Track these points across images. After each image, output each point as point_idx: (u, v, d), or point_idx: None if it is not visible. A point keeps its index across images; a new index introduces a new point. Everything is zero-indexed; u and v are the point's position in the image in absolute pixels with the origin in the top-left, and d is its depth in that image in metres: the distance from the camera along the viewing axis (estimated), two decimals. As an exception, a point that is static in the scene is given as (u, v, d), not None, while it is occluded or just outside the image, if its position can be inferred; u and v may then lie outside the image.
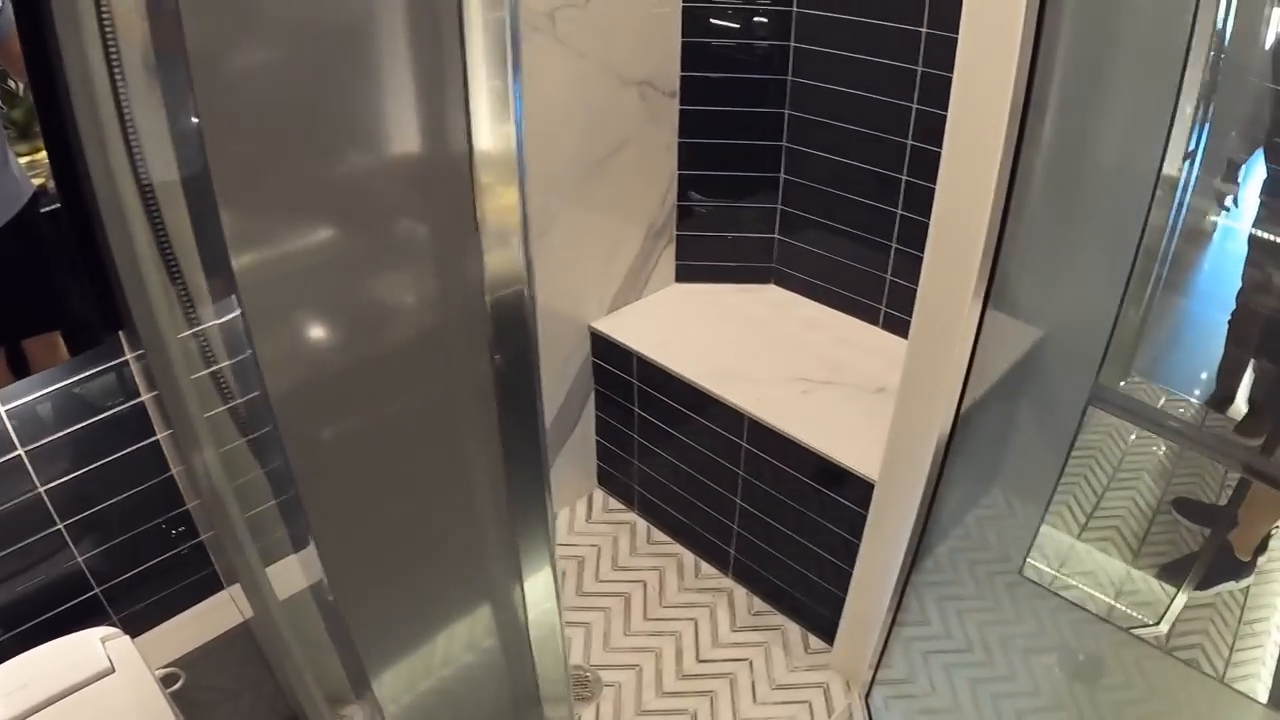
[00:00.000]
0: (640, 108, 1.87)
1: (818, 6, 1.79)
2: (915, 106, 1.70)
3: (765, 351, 1.91)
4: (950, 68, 1.16)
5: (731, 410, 1.75)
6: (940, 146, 1.22)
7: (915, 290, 1.90)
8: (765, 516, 1.85)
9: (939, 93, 1.67)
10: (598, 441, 2.22)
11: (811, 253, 2.04)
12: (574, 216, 1.85)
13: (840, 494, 1.65)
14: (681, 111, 1.94)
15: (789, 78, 1.89)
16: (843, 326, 2.00)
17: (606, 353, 2.01)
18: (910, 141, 1.73)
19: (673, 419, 1.96)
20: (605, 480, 2.29)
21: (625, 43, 1.77)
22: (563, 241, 1.85)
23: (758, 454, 1.78)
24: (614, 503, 2.28)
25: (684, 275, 2.15)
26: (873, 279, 1.94)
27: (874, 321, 1.98)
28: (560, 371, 2.02)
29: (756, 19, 1.86)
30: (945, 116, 1.19)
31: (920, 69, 1.67)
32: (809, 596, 1.87)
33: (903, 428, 1.45)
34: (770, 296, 2.11)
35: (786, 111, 1.93)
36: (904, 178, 1.77)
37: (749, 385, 1.79)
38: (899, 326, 1.93)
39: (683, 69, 1.90)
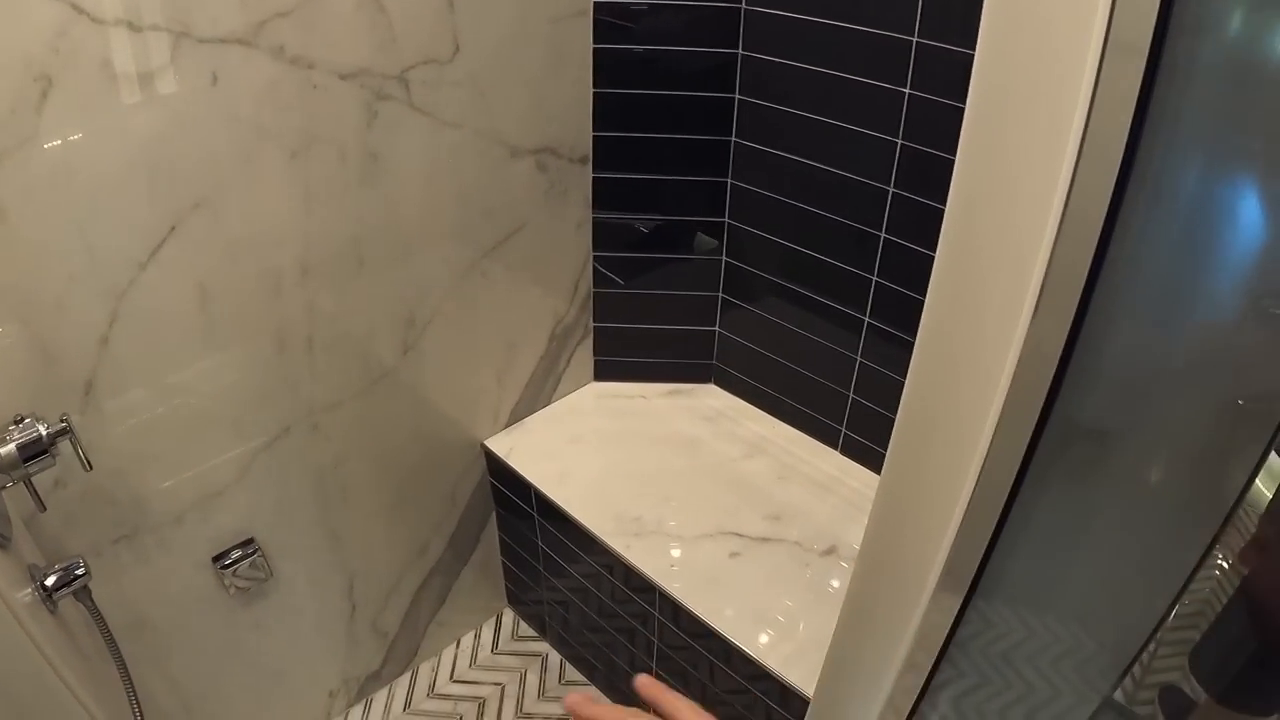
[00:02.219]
0: (538, 182, 1.49)
1: (769, 51, 1.40)
2: (891, 190, 1.33)
3: (692, 489, 1.54)
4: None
5: (642, 577, 1.40)
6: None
7: (883, 414, 1.56)
8: (685, 686, 1.51)
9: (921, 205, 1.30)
10: (503, 562, 1.87)
11: (760, 354, 1.67)
12: (453, 323, 1.48)
13: (769, 698, 1.31)
14: (596, 180, 1.56)
15: (733, 138, 1.51)
16: (793, 449, 1.63)
17: (503, 475, 1.65)
18: (883, 235, 1.36)
19: (577, 566, 1.60)
20: (515, 600, 1.94)
21: (514, 103, 1.38)
22: (438, 353, 1.48)
23: (673, 631, 1.43)
24: (525, 628, 1.93)
25: (605, 372, 1.78)
26: (830, 394, 1.57)
27: (832, 444, 1.62)
28: (449, 496, 1.67)
29: (692, 62, 1.48)
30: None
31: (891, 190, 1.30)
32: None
33: (847, 656, 1.10)
34: (708, 402, 1.74)
35: (729, 180, 1.55)
36: (874, 278, 1.40)
37: (665, 543, 1.43)
38: (862, 455, 1.57)
39: (596, 128, 1.51)
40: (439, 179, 1.35)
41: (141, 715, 1.09)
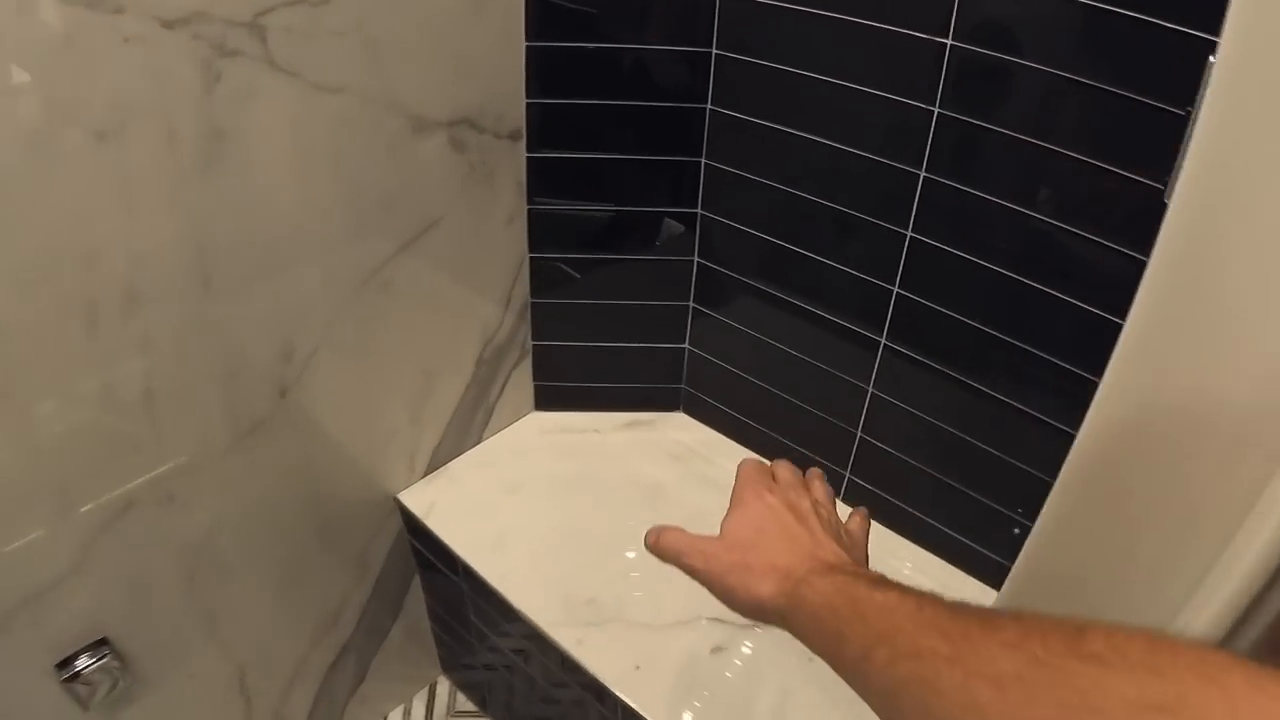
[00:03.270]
0: (454, 164, 1.14)
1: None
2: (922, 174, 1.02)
3: (653, 558, 1.21)
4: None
5: (599, 685, 1.09)
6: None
7: (899, 457, 1.26)
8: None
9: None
10: (433, 628, 1.54)
11: (739, 377, 1.36)
12: (346, 352, 1.13)
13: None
14: (532, 161, 1.22)
15: (708, 105, 1.18)
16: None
17: (424, 535, 1.31)
18: (909, 233, 1.05)
19: (520, 649, 1.28)
20: (450, 666, 1.62)
21: (418, 59, 1.03)
22: (328, 392, 1.14)
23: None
24: (463, 700, 1.61)
25: (549, 400, 1.45)
26: (831, 430, 1.27)
27: (834, 489, 1.32)
28: (359, 561, 1.32)
29: (655, 7, 1.14)
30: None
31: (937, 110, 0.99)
32: None
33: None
34: (675, 436, 1.42)
35: (703, 160, 1.22)
36: (894, 289, 1.10)
37: (627, 634, 1.11)
38: (869, 503, 1.27)
39: (531, 93, 1.17)
40: (315, 163, 1.00)
41: None
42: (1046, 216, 0.92)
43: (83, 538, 0.98)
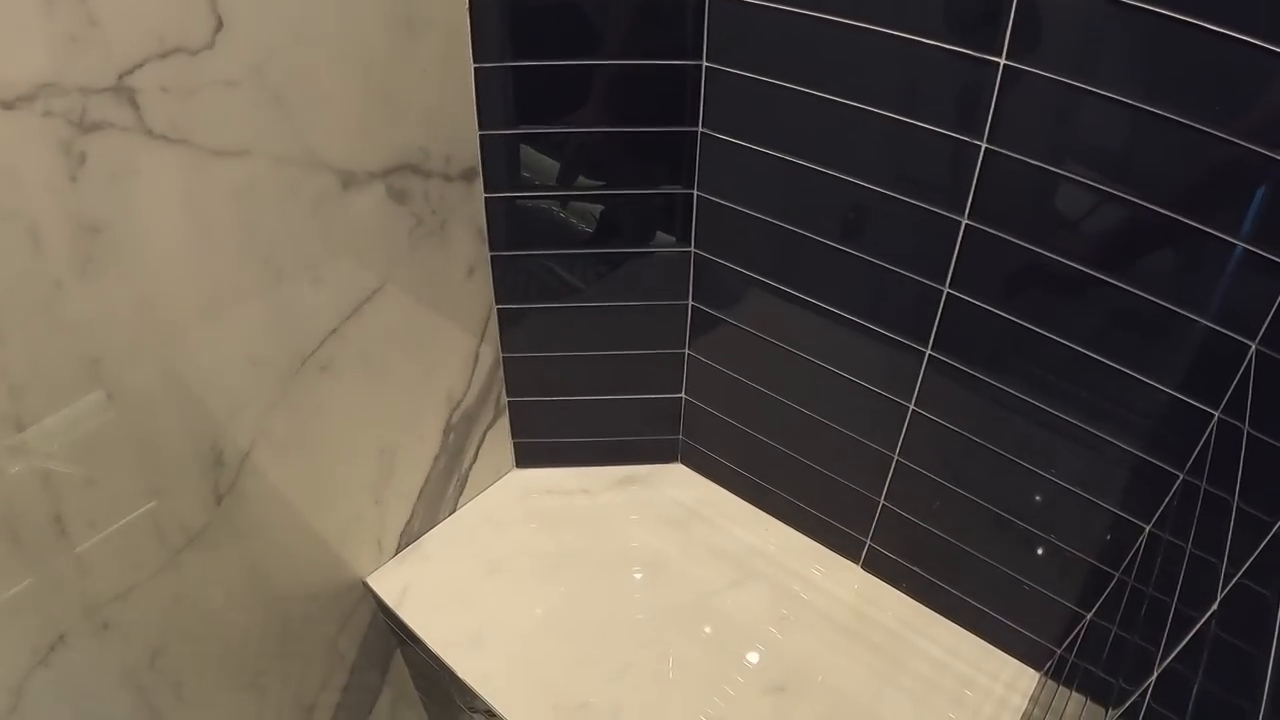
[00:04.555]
0: (396, 218, 0.96)
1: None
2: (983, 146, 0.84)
3: (661, 647, 1.08)
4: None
5: (598, 817, 0.96)
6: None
7: (925, 527, 1.11)
8: None
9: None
10: (420, 697, 1.42)
11: (740, 430, 1.20)
12: (286, 445, 0.97)
13: None
14: (491, 203, 1.04)
15: (700, 129, 1.00)
16: (794, 565, 1.17)
17: (399, 623, 1.17)
18: (947, 290, 0.88)
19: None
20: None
21: (336, 103, 0.85)
22: (271, 490, 0.98)
23: None
24: (455, 770, 1.50)
25: (530, 457, 1.29)
26: (848, 493, 1.11)
27: (850, 555, 1.17)
28: (331, 650, 1.18)
29: (636, 20, 0.95)
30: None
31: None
32: None
33: None
34: (673, 495, 1.27)
35: (695, 192, 1.05)
36: (928, 351, 0.93)
37: (631, 747, 0.99)
38: (893, 573, 1.13)
39: (485, 124, 0.99)
40: (220, 242, 0.83)
41: None
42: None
43: (15, 678, 0.84)
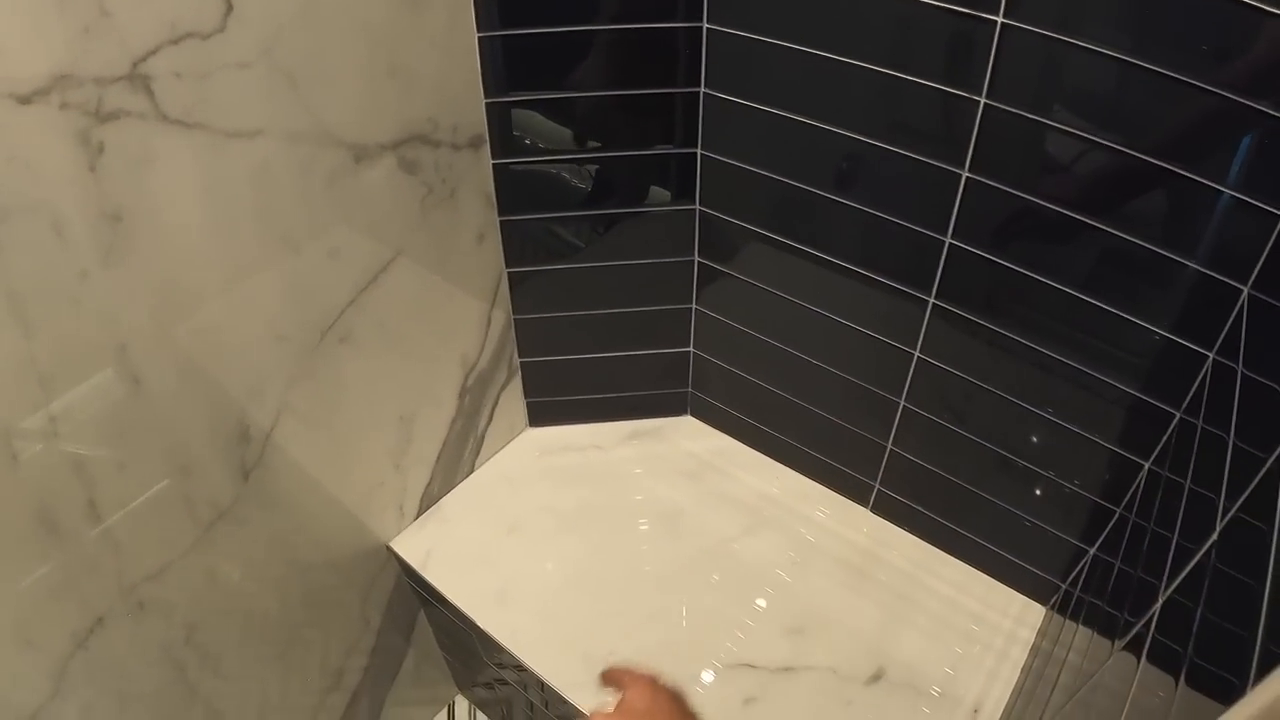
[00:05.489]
0: (408, 188, 0.98)
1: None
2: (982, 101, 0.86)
3: (681, 596, 1.12)
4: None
5: (630, 757, 1.01)
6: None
7: (932, 470, 1.15)
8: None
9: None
10: (443, 654, 1.47)
11: (749, 381, 1.23)
12: (310, 417, 1.00)
13: None
14: (499, 170, 1.05)
15: (702, 89, 1.01)
16: (807, 510, 1.21)
17: (424, 583, 1.21)
18: (950, 240, 0.91)
19: (533, 690, 1.20)
20: (466, 684, 1.55)
21: (346, 80, 0.86)
22: (297, 463, 1.01)
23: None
24: (484, 719, 1.56)
25: (543, 416, 1.32)
26: (856, 439, 1.15)
27: (860, 500, 1.21)
28: (359, 615, 1.23)
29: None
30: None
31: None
32: None
33: None
34: (685, 446, 1.30)
35: (699, 151, 1.06)
36: (931, 300, 0.96)
37: (659, 690, 1.03)
38: (903, 515, 1.18)
39: (490, 93, 1.00)
40: (240, 222, 0.84)
41: None
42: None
43: (55, 663, 0.88)
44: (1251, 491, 0.61)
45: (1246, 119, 0.68)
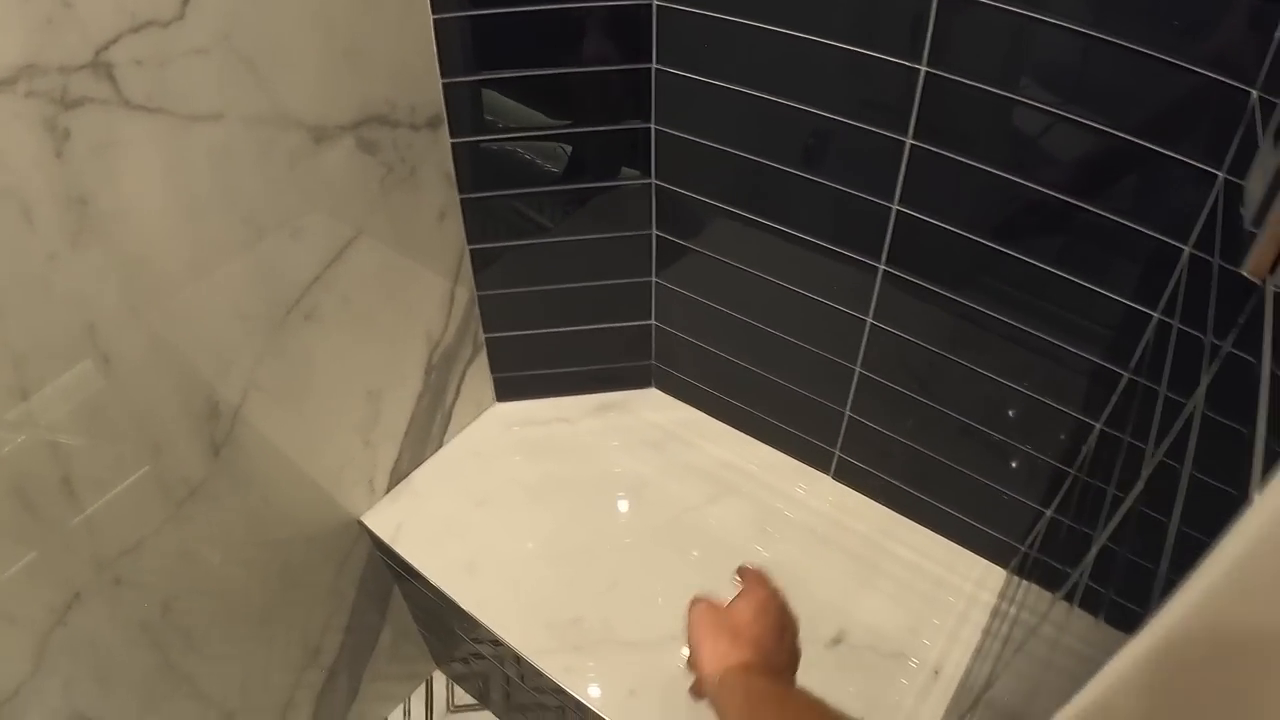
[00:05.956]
0: (367, 169, 1.02)
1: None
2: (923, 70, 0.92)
3: (646, 564, 1.19)
4: None
5: (594, 715, 1.07)
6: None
7: (890, 435, 1.21)
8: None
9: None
10: (419, 630, 1.53)
11: (710, 353, 1.29)
12: (277, 394, 1.05)
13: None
14: (458, 148, 1.10)
15: (654, 65, 1.06)
16: (770, 479, 1.28)
17: (396, 557, 1.26)
18: (897, 207, 0.97)
19: (508, 663, 1.26)
20: (443, 659, 1.62)
21: (304, 63, 0.90)
22: (266, 439, 1.07)
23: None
24: (461, 694, 1.62)
25: (510, 391, 1.38)
26: (816, 407, 1.21)
27: (821, 467, 1.27)
28: (332, 590, 1.28)
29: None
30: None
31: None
32: None
33: None
34: (650, 418, 1.37)
35: (653, 126, 1.11)
36: (881, 266, 1.02)
37: (619, 657, 1.09)
38: (863, 481, 1.25)
39: (446, 73, 1.04)
40: (203, 203, 0.89)
41: None
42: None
43: (35, 640, 0.93)
44: (1174, 435, 0.67)
45: (1181, 82, 0.74)
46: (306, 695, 1.36)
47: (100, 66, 0.77)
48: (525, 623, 1.12)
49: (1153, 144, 0.77)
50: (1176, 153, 0.76)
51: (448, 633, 1.40)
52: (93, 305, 0.84)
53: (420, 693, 1.62)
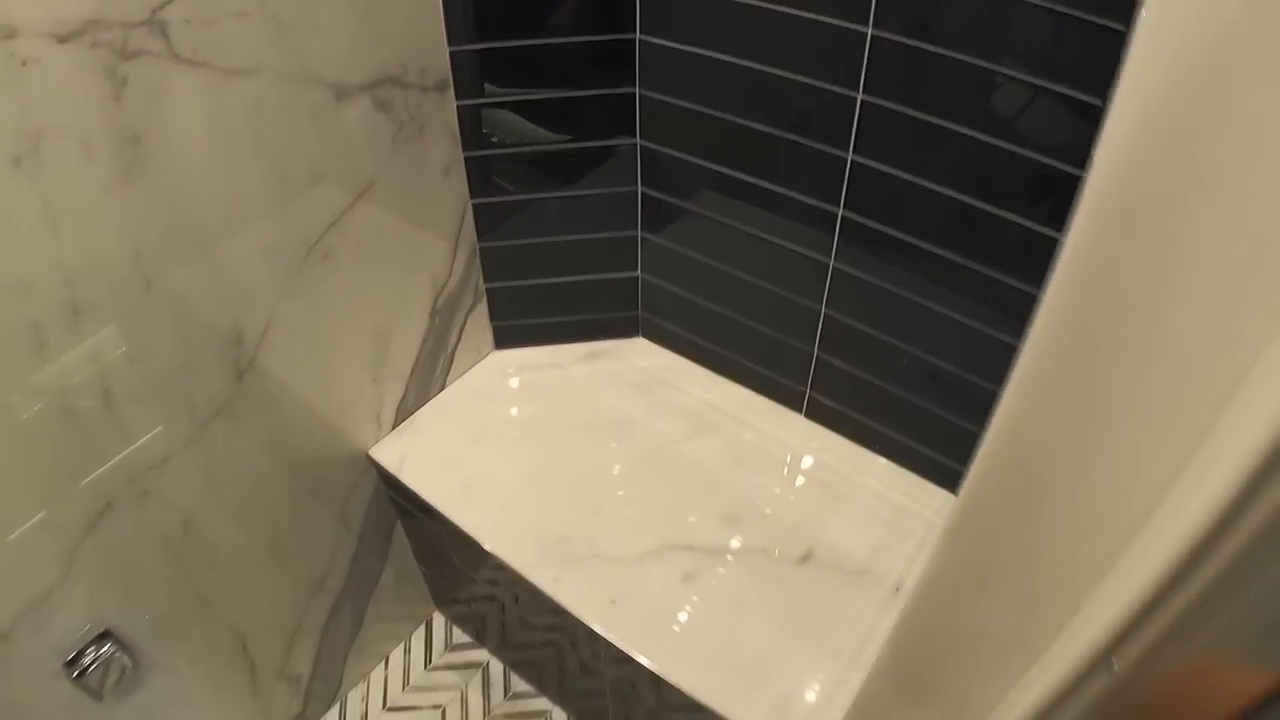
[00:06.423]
0: (381, 125, 1.17)
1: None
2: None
3: (629, 489, 1.34)
4: None
5: (579, 622, 1.21)
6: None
7: (855, 373, 1.35)
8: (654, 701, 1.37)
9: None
10: (420, 568, 1.68)
11: (692, 301, 1.43)
12: (296, 327, 1.20)
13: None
14: (462, 110, 1.25)
15: (638, 35, 1.20)
16: (746, 417, 1.42)
17: (399, 488, 1.42)
18: (851, 156, 1.11)
19: (501, 589, 1.42)
20: (443, 601, 1.76)
21: (328, 27, 1.05)
22: (285, 368, 1.21)
23: (624, 679, 1.26)
24: (459, 634, 1.76)
25: (508, 339, 1.52)
26: (788, 349, 1.35)
27: (794, 406, 1.42)
28: (340, 520, 1.43)
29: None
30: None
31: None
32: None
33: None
34: (637, 364, 1.51)
35: (638, 90, 1.26)
36: (840, 211, 1.16)
37: (602, 570, 1.23)
38: (832, 419, 1.39)
39: (453, 40, 1.19)
40: (237, 149, 1.03)
41: None
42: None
43: (68, 544, 1.07)
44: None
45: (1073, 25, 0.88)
46: (313, 624, 1.51)
47: (155, 24, 0.91)
48: (517, 540, 1.26)
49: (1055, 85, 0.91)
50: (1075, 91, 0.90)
51: (448, 567, 1.54)
52: (138, 233, 0.99)
53: (420, 633, 1.76)
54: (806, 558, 1.24)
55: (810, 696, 1.10)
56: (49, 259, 0.92)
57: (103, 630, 1.15)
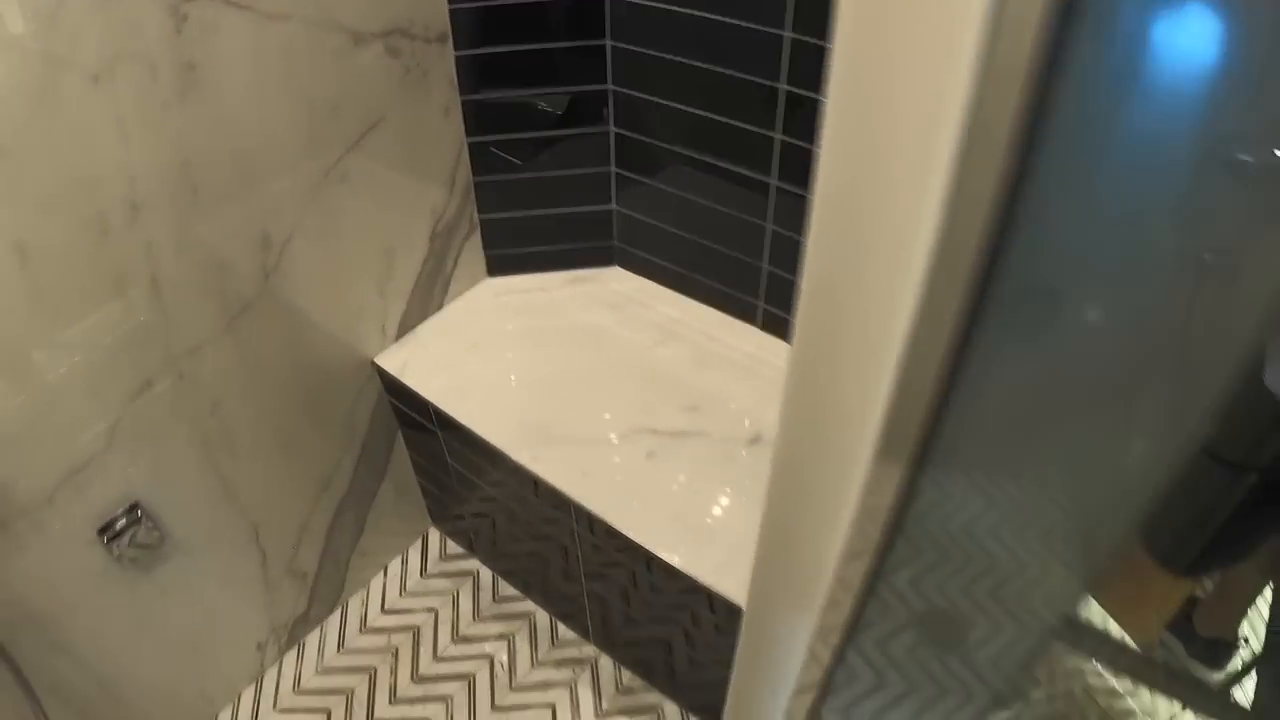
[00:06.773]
0: (391, 68, 1.41)
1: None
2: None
3: (602, 386, 1.57)
4: None
5: (555, 492, 1.44)
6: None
7: (798, 284, 1.57)
8: (621, 596, 1.59)
9: None
10: (419, 482, 1.90)
11: (663, 230, 1.66)
12: (315, 238, 1.44)
13: (708, 611, 1.39)
14: (460, 59, 1.49)
15: (608, -7, 1.45)
16: (708, 330, 1.65)
17: (400, 393, 1.65)
18: (784, 86, 1.34)
19: (491, 482, 1.64)
20: (439, 517, 2.00)
21: (347, -19, 1.31)
22: (305, 273, 1.45)
23: (598, 548, 1.49)
24: (453, 546, 2.00)
25: (499, 267, 1.76)
26: (743, 266, 1.58)
27: (750, 319, 1.65)
28: (347, 423, 1.67)
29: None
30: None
31: None
32: (688, 668, 1.64)
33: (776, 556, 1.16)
34: (613, 287, 1.75)
35: (609, 42, 1.49)
36: (778, 136, 1.39)
37: (575, 450, 1.46)
38: (783, 329, 1.60)
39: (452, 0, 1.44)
40: (271, 81, 1.28)
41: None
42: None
43: (112, 416, 1.31)
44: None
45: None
46: (318, 528, 1.74)
47: (209, -28, 1.16)
48: (502, 426, 1.49)
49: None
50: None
51: (445, 477, 1.76)
52: (188, 147, 1.22)
53: (417, 546, 1.99)
54: (756, 439, 1.46)
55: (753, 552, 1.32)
56: (117, 161, 1.16)
57: (133, 503, 1.37)
